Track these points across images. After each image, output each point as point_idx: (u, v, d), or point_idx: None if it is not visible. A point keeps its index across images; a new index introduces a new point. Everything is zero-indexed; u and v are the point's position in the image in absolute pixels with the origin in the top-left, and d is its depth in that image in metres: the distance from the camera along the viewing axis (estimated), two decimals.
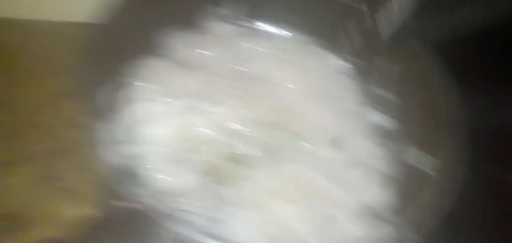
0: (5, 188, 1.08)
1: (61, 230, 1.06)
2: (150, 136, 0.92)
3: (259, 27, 1.10)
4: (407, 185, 0.93)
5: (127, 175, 0.80)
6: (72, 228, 1.05)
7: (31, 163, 1.12)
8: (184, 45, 1.04)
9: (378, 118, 1.05)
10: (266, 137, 0.96)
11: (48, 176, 1.11)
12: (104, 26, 0.92)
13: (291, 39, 1.10)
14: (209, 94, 0.96)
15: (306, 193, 0.92)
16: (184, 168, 0.89)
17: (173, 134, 0.92)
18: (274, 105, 0.99)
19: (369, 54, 1.04)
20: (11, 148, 1.13)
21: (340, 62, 1.11)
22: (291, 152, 0.96)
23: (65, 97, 1.19)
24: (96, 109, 0.83)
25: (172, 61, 1.01)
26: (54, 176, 1.11)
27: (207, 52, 1.03)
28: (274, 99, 1.00)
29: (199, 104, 0.95)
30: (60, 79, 1.22)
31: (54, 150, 1.14)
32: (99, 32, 0.92)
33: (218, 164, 0.91)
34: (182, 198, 0.86)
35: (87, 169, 1.11)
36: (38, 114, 1.17)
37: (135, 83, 0.96)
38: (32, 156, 1.13)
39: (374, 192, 0.95)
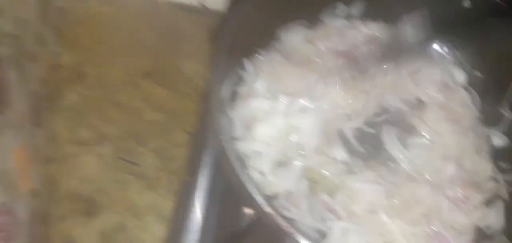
0: (81, 168, 1.01)
1: (133, 219, 0.99)
2: (259, 135, 0.82)
3: (379, 27, 0.99)
4: None
5: (238, 175, 0.69)
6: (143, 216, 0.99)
7: (108, 143, 1.05)
8: (303, 41, 0.95)
9: (497, 138, 0.94)
10: (375, 140, 0.85)
11: (125, 159, 1.03)
12: (227, 15, 0.82)
13: (413, 45, 0.99)
14: (317, 93, 0.86)
15: (416, 208, 0.80)
16: (290, 172, 0.79)
17: (281, 134, 0.82)
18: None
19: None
20: (89, 126, 1.06)
21: (461, 74, 0.99)
22: (404, 162, 0.85)
23: (151, 79, 1.12)
24: (212, 100, 0.74)
25: (289, 57, 0.93)
26: (131, 160, 1.03)
27: (322, 48, 0.93)
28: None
29: (308, 103, 0.85)
30: (147, 59, 1.14)
31: (133, 132, 1.06)
32: (216, 20, 0.83)
33: (324, 171, 0.81)
34: (289, 204, 0.76)
35: (167, 156, 1.03)
36: (121, 92, 1.10)
37: (251, 77, 0.88)
38: (110, 137, 1.05)
39: (489, 215, 0.85)
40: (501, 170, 0.90)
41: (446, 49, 1.05)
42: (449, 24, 0.96)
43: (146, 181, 1.00)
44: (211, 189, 0.92)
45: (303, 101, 0.86)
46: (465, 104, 0.96)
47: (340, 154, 0.83)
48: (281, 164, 0.81)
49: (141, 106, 1.08)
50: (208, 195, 0.91)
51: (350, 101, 0.88)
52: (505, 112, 0.94)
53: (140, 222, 0.96)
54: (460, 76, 1.00)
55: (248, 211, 0.77)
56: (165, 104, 1.08)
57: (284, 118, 0.84)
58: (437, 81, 0.97)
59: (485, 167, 0.90)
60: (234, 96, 0.87)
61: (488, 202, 0.85)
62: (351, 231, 0.75)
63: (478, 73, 1.01)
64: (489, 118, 0.95)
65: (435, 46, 1.04)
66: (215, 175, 0.91)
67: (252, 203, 0.66)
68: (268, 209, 0.65)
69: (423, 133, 0.90)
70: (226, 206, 0.87)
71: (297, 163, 0.80)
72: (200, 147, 0.96)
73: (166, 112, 1.07)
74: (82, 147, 1.02)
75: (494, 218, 0.83)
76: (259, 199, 0.66)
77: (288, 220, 0.69)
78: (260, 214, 0.65)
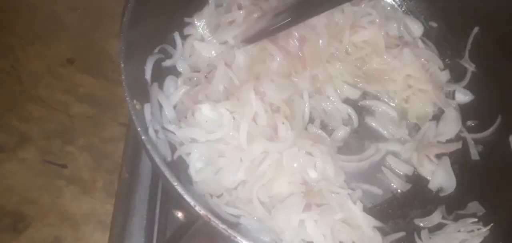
0: (2, 178, 0.88)
1: (69, 229, 0.87)
2: (190, 124, 0.72)
3: None
4: None
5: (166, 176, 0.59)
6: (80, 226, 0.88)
7: (32, 146, 0.92)
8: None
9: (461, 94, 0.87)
10: None
11: (52, 162, 0.91)
12: None
13: None
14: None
15: None
16: (226, 168, 0.69)
17: (214, 122, 0.72)
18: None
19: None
20: (6, 128, 0.93)
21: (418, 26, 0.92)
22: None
23: (74, 66, 0.98)
24: (134, 84, 0.66)
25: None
26: (59, 163, 0.90)
27: None
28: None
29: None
30: (69, 45, 1.00)
31: (60, 130, 0.93)
32: None
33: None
34: (237, 201, 0.67)
35: (100, 154, 0.91)
36: (41, 86, 0.96)
37: (178, 54, 0.77)
38: (33, 138, 0.92)
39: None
40: (468, 128, 0.84)
41: (398, 0, 0.97)
42: None
43: (80, 185, 0.88)
44: (154, 186, 0.81)
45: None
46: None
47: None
48: (219, 160, 0.71)
49: (66, 100, 0.95)
50: (151, 192, 0.81)
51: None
52: (467, 65, 0.87)
53: (78, 232, 0.85)
54: (417, 28, 0.92)
55: (185, 213, 0.68)
56: (93, 95, 0.96)
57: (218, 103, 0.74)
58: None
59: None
60: (161, 76, 0.76)
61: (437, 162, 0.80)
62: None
63: (433, 24, 0.94)
64: (452, 73, 0.87)
65: None
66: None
67: (185, 205, 0.57)
68: (202, 212, 0.55)
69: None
70: (169, 206, 0.77)
71: (239, 154, 0.70)
72: (137, 138, 0.84)
73: (95, 103, 0.95)
74: (1, 154, 0.89)
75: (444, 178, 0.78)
76: (192, 201, 0.56)
77: (229, 221, 0.61)
78: (196, 217, 0.56)
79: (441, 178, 0.78)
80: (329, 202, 0.68)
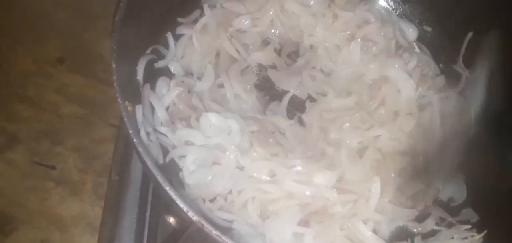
0: None
1: (57, 232, 0.86)
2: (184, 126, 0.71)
3: None
4: None
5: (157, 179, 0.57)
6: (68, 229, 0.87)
7: (20, 147, 0.90)
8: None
9: None
10: None
11: (40, 163, 0.89)
12: None
13: None
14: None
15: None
16: (219, 175, 0.69)
17: (219, 131, 0.71)
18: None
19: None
20: None
21: (413, 30, 0.91)
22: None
23: (64, 66, 0.96)
24: (126, 85, 0.65)
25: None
26: (48, 164, 0.89)
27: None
28: None
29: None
30: (59, 44, 0.98)
31: (49, 131, 0.91)
32: None
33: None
34: (229, 205, 0.66)
35: (90, 155, 0.90)
36: (30, 86, 0.95)
37: (171, 55, 0.77)
38: (22, 138, 0.91)
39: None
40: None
41: (392, 4, 0.96)
42: None
43: (69, 186, 0.87)
44: (145, 189, 0.80)
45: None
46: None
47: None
48: (217, 160, 0.70)
49: (55, 100, 0.94)
50: (142, 196, 0.80)
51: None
52: (461, 70, 0.87)
53: (66, 235, 0.84)
54: (412, 32, 0.91)
55: (177, 218, 0.66)
56: (83, 95, 0.95)
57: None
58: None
59: None
60: (153, 77, 0.75)
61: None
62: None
63: (428, 28, 0.93)
64: (446, 78, 0.87)
65: (381, 1, 0.95)
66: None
67: (177, 210, 0.56)
68: (195, 217, 0.53)
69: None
70: (160, 210, 0.76)
71: (233, 156, 0.69)
72: (127, 140, 0.83)
73: (85, 104, 0.93)
74: None
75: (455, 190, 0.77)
76: (184, 206, 0.55)
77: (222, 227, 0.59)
78: (188, 223, 0.55)
79: (451, 188, 0.77)
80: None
